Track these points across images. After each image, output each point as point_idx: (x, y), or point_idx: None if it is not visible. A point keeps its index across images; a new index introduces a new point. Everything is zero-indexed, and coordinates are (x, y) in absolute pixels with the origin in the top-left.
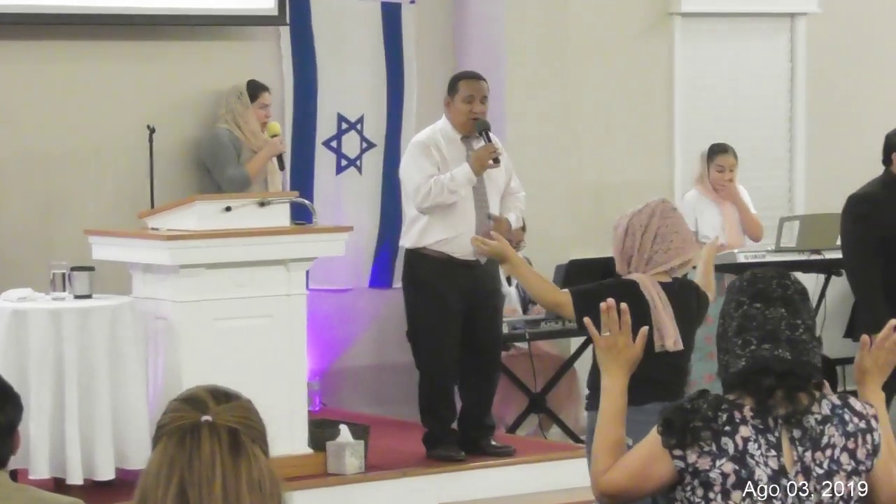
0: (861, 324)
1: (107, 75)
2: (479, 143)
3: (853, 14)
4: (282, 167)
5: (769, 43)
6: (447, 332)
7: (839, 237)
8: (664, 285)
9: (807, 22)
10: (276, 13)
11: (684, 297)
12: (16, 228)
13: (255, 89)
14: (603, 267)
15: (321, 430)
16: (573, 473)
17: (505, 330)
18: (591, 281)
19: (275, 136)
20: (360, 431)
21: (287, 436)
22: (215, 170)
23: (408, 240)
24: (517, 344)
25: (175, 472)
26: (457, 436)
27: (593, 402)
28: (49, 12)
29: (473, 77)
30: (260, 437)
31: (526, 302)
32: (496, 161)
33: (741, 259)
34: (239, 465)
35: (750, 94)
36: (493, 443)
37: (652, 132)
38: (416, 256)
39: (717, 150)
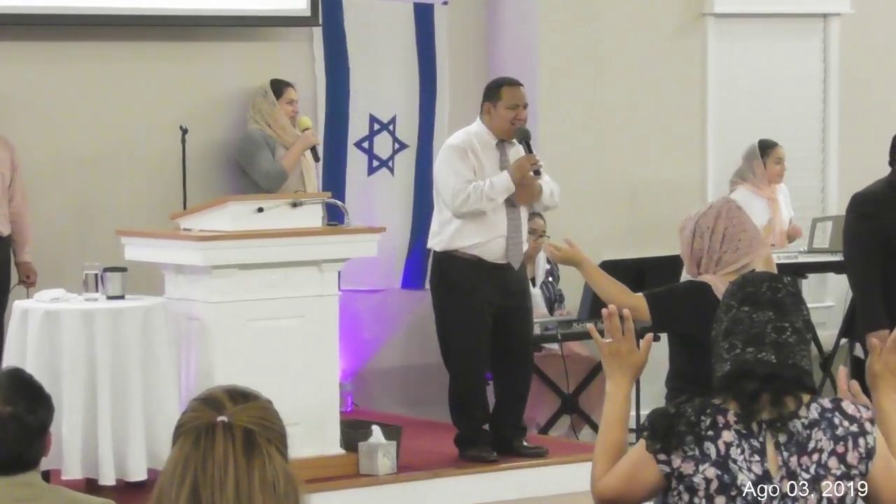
0: (858, 321)
1: (140, 76)
2: (513, 149)
3: (886, 14)
4: (317, 158)
5: (802, 43)
6: (478, 334)
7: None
8: None
9: (840, 22)
10: (308, 14)
11: None
12: (49, 229)
13: (279, 86)
14: (636, 267)
15: (353, 431)
16: None
17: (537, 331)
18: (624, 282)
19: (306, 129)
20: (392, 432)
21: (319, 436)
22: (251, 168)
23: (438, 243)
24: (549, 345)
25: (189, 472)
26: (489, 437)
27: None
28: (83, 13)
29: (516, 84)
30: (277, 438)
31: (552, 303)
32: (537, 173)
33: (774, 260)
34: (252, 466)
35: (783, 94)
36: (525, 444)
37: (685, 133)
38: (447, 258)
39: (771, 145)
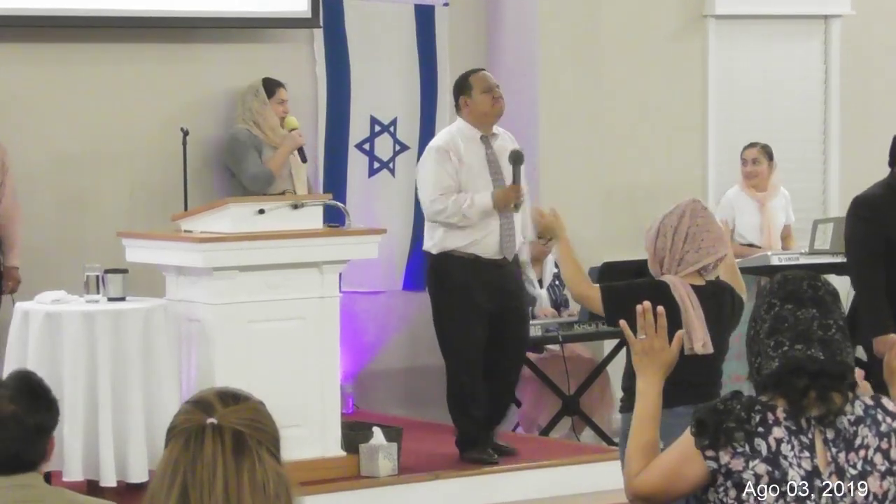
0: (863, 325)
1: (141, 78)
2: (497, 141)
3: (887, 16)
4: (304, 159)
5: (803, 45)
6: (476, 333)
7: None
8: (696, 288)
9: (840, 24)
10: (309, 16)
11: (717, 299)
12: (50, 231)
13: (271, 85)
14: (637, 269)
15: (354, 433)
16: (606, 476)
17: (538, 332)
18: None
19: (293, 129)
20: (393, 434)
21: (320, 438)
22: (238, 170)
23: (433, 246)
24: (550, 346)
25: (178, 474)
26: (490, 438)
27: (627, 405)
28: (82, 15)
29: (480, 70)
30: (269, 440)
31: (558, 304)
32: (516, 207)
33: (774, 261)
34: (241, 468)
35: (783, 96)
36: (497, 442)
37: (686, 134)
38: (443, 259)
39: (746, 146)
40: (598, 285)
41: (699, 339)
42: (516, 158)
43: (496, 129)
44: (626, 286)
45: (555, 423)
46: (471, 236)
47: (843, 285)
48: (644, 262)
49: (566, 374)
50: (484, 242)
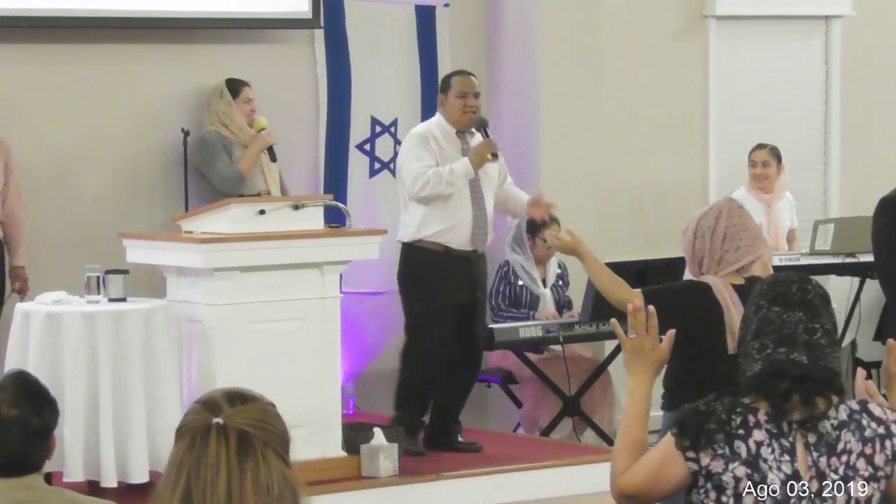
0: (891, 327)
1: (141, 78)
2: (474, 139)
3: (887, 16)
4: (273, 159)
5: (804, 45)
6: (441, 328)
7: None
8: (737, 287)
9: (841, 24)
10: (310, 16)
11: None
12: (50, 231)
13: (235, 85)
14: (638, 270)
15: (355, 434)
16: (607, 476)
17: (539, 333)
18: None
19: (262, 129)
20: (393, 434)
21: (321, 439)
22: (208, 172)
23: (405, 234)
24: (551, 347)
25: (183, 474)
26: (426, 431)
27: (668, 404)
28: (83, 16)
29: (466, 73)
30: (276, 441)
31: (561, 305)
32: (494, 156)
33: (775, 262)
34: (245, 468)
35: (784, 96)
36: (461, 439)
37: (687, 135)
38: (413, 250)
39: (754, 147)
40: (637, 290)
41: None
42: (480, 122)
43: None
44: (668, 289)
45: (556, 423)
46: (444, 222)
47: (844, 286)
48: (646, 263)
49: (567, 374)
50: (454, 233)
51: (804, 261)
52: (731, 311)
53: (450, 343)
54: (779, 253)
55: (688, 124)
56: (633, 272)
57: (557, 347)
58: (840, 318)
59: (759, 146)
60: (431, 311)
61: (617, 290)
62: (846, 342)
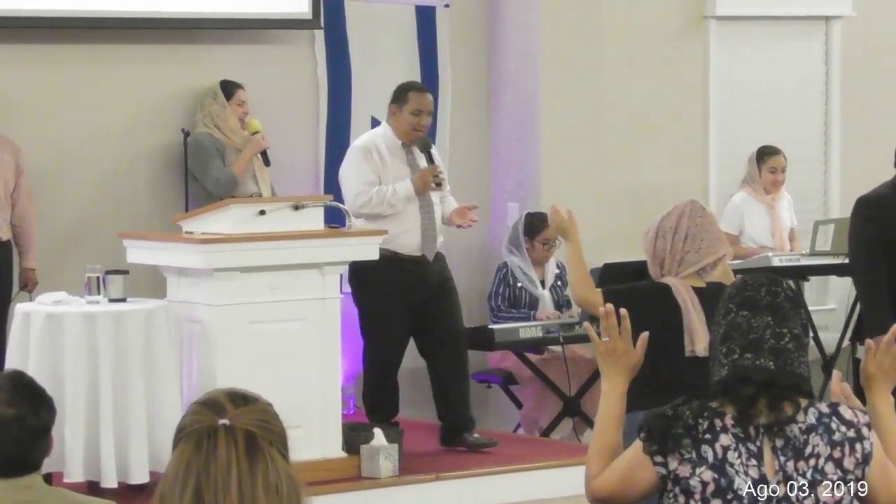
0: (865, 326)
1: (141, 78)
2: (421, 154)
3: (888, 17)
4: (267, 163)
5: (804, 46)
6: (389, 333)
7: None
8: (697, 290)
9: (842, 25)
10: (310, 17)
11: (718, 301)
12: (50, 232)
13: (229, 88)
14: (638, 271)
15: (355, 434)
16: None
17: (539, 333)
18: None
19: (256, 132)
20: (393, 435)
21: (321, 439)
22: (201, 175)
23: None
24: (551, 347)
25: (192, 476)
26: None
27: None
28: (86, 17)
29: (423, 90)
30: (278, 440)
31: (560, 305)
32: (438, 184)
33: (775, 262)
34: (255, 469)
35: (784, 97)
36: (476, 436)
37: (687, 135)
38: None
39: (769, 152)
40: (599, 289)
41: (700, 341)
42: (425, 145)
43: None
44: (628, 289)
45: (556, 424)
46: (392, 229)
47: (844, 286)
48: (645, 263)
49: (567, 375)
50: (402, 239)
51: (804, 261)
52: (690, 313)
53: (403, 346)
54: (779, 254)
55: (688, 125)
56: (632, 272)
57: (557, 348)
58: (840, 319)
59: (774, 151)
60: (378, 316)
61: (583, 288)
62: (846, 342)
